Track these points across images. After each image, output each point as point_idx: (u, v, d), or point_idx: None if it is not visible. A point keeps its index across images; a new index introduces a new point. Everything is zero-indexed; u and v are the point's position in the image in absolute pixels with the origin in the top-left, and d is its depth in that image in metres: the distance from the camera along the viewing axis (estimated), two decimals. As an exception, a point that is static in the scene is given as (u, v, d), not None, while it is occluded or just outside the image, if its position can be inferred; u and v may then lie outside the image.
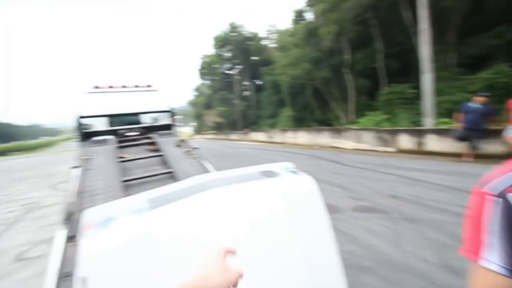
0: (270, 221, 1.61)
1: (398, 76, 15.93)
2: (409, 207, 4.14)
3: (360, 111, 16.10)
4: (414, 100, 12.89)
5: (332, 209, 4.28)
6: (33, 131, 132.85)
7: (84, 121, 4.51)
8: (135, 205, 1.25)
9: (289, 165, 2.25)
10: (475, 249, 0.61)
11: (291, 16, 23.32)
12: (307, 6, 20.85)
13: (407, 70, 15.82)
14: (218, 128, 35.99)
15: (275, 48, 23.75)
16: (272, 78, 23.84)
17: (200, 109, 40.83)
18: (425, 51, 10.16)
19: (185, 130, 47.21)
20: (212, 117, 35.90)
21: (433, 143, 8.35)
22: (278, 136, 16.59)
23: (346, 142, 11.57)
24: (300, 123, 20.10)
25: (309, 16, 21.56)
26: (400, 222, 3.64)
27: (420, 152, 8.59)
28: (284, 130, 16.37)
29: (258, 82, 33.86)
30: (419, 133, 8.82)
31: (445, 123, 9.18)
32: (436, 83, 10.56)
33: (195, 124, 46.91)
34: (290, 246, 1.66)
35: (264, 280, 1.55)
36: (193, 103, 46.26)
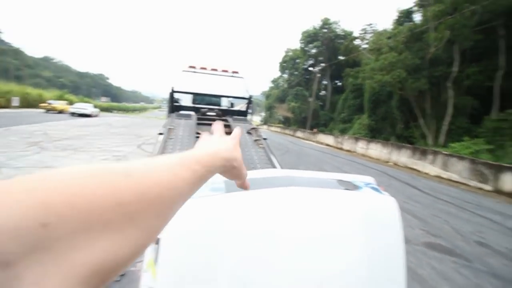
0: (342, 236, 1.51)
1: (517, 102, 12.89)
2: (499, 261, 3.36)
3: (455, 135, 13.74)
4: (535, 134, 10.31)
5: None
6: (134, 96, 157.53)
7: (176, 95, 5.05)
8: (213, 182, 1.31)
9: (370, 180, 2.07)
10: None
11: (394, 16, 21.14)
12: (416, 6, 18.49)
13: (533, 96, 12.65)
14: (286, 123, 35.99)
15: (367, 49, 21.98)
16: (355, 81, 22.33)
17: (273, 101, 41.43)
18: None
19: (254, 119, 48.89)
20: (282, 111, 36.05)
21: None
22: (348, 144, 15.60)
23: (429, 166, 10.07)
24: (376, 134, 18.43)
25: (417, 17, 19.15)
26: (483, 275, 3.00)
27: (530, 200, 6.84)
28: (356, 138, 15.27)
29: (338, 83, 32.28)
30: (535, 176, 7.01)
31: None
32: None
33: (264, 114, 48.02)
34: (356, 267, 1.54)
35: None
36: (267, 94, 47.25)
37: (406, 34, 16.27)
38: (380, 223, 1.69)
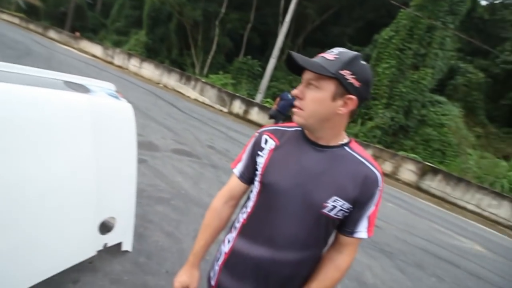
0: (63, 140, 1.34)
1: (256, 52, 17.64)
2: (218, 157, 4.85)
3: (215, 68, 16.61)
4: (258, 76, 14.86)
5: (152, 147, 4.25)
6: None
7: None
8: None
9: (109, 86, 1.94)
10: (236, 162, 0.92)
11: None
12: None
13: (263, 50, 17.84)
14: (33, 15, 25.33)
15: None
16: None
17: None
18: (280, 40, 11.77)
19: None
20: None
21: (255, 114, 10.20)
22: (120, 59, 14.05)
23: (191, 91, 11.67)
24: (153, 55, 18.00)
25: None
26: (206, 167, 4.20)
27: (245, 119, 10.26)
28: (130, 55, 14.06)
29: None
30: (250, 104, 10.45)
31: (268, 102, 11.38)
32: (276, 70, 12.68)
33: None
34: (84, 169, 1.47)
35: (50, 198, 1.30)
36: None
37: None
38: (112, 127, 1.69)
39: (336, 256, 0.82)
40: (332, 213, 0.75)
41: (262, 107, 10.23)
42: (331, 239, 0.85)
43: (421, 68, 10.70)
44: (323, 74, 0.69)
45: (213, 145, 5.49)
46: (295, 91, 0.75)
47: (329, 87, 0.70)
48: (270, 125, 0.90)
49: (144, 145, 4.14)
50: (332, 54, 0.71)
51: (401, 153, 9.48)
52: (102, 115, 1.53)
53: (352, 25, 18.25)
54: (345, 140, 0.80)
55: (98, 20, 25.37)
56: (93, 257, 1.64)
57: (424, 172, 8.61)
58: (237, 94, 11.07)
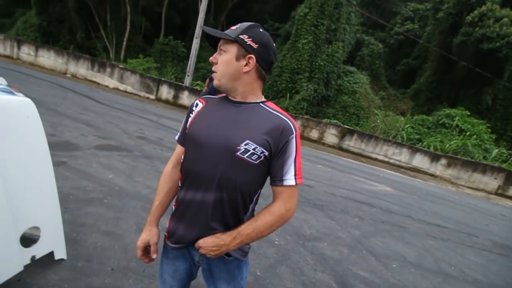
0: None
1: (178, 32, 16.52)
2: (151, 147, 4.63)
3: (133, 52, 15.06)
4: (183, 58, 14.12)
5: (70, 147, 3.78)
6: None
7: None
8: None
9: (1, 80, 1.66)
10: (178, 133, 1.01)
11: None
12: None
13: (186, 30, 16.83)
14: None
15: None
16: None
17: None
18: (201, 18, 11.29)
19: None
20: None
21: (186, 98, 9.83)
22: (6, 47, 11.44)
23: (108, 79, 10.43)
24: (51, 39, 15.14)
25: None
26: (139, 159, 3.98)
27: (175, 104, 9.79)
28: (19, 41, 11.54)
29: None
30: (179, 88, 9.97)
31: (198, 84, 11.07)
32: (202, 49, 12.23)
33: None
34: None
35: None
36: None
37: None
38: (12, 128, 1.47)
39: (271, 205, 0.88)
40: (245, 156, 0.81)
41: (192, 90, 9.90)
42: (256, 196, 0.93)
43: (334, 42, 11.83)
44: (226, 39, 0.85)
45: (143, 135, 5.17)
46: (211, 58, 0.89)
47: (233, 50, 0.85)
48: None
49: (59, 146, 3.66)
50: (236, 25, 0.88)
51: (324, 120, 10.60)
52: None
53: (271, 2, 18.66)
54: (262, 99, 0.91)
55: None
56: (20, 273, 1.48)
57: (343, 134, 9.88)
58: (164, 79, 10.41)
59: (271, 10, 18.34)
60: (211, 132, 0.86)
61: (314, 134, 9.96)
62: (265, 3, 18.58)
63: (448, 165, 9.26)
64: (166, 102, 9.89)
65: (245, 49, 0.83)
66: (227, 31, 0.86)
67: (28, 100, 1.55)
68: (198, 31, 11.25)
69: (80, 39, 15.51)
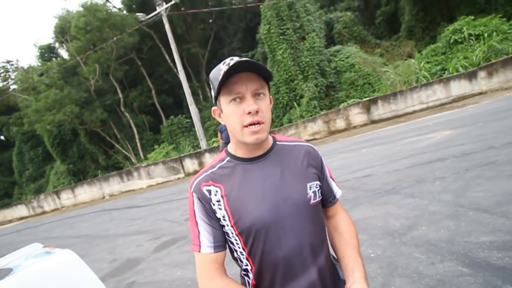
0: None
1: (174, 109, 17.69)
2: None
3: (148, 147, 16.12)
4: (191, 127, 14.80)
5: (132, 263, 3.78)
6: None
7: None
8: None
9: (34, 247, 1.77)
10: (196, 242, 0.72)
11: (35, 52, 19.15)
12: (57, 42, 18.16)
13: (180, 103, 17.96)
14: None
15: (17, 90, 18.20)
16: (23, 129, 18.08)
17: None
18: (186, 87, 11.98)
19: None
20: None
21: (209, 159, 10.00)
22: (49, 203, 12.74)
23: (139, 182, 11.03)
24: (81, 176, 16.76)
25: (64, 53, 18.89)
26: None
27: (205, 171, 9.98)
28: (57, 192, 12.83)
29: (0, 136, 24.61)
30: (199, 155, 10.25)
31: (214, 142, 11.34)
32: (202, 111, 12.79)
33: None
34: None
35: None
36: None
37: (59, 69, 15.59)
38: (62, 282, 1.46)
39: (337, 222, 0.84)
40: (317, 199, 0.76)
41: (211, 150, 10.10)
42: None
43: (307, 36, 11.85)
44: (266, 80, 0.70)
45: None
46: (251, 108, 0.65)
47: (267, 91, 0.71)
48: (191, 178, 0.80)
49: (123, 267, 3.69)
50: (247, 57, 0.76)
51: (342, 105, 10.17)
52: (39, 283, 1.29)
53: (235, 40, 19.67)
54: (270, 138, 0.79)
55: (5, 182, 22.89)
56: None
57: (368, 107, 9.32)
58: (183, 154, 10.81)
59: (239, 45, 19.24)
60: (270, 206, 0.69)
61: (340, 123, 9.51)
62: (231, 43, 19.63)
63: (490, 75, 8.22)
64: (195, 172, 10.13)
65: (269, 88, 0.73)
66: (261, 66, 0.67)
67: (66, 251, 1.55)
68: (189, 99, 11.87)
69: (103, 161, 17.00)
